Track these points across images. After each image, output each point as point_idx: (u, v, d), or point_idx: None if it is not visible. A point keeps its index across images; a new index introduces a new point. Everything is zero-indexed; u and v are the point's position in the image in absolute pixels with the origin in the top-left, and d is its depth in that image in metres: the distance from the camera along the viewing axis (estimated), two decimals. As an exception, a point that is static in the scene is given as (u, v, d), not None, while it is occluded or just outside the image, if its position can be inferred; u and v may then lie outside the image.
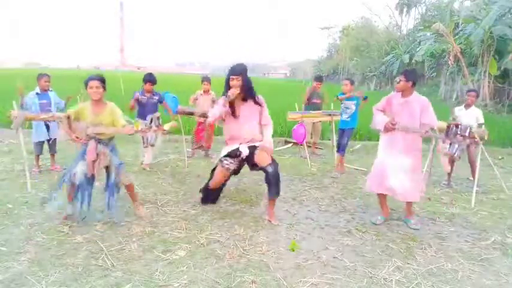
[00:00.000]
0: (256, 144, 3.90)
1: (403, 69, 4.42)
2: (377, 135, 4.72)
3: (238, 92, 3.72)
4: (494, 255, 3.35)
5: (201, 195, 4.36)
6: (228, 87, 3.76)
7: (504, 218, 4.31)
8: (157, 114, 5.73)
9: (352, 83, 6.12)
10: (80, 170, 3.52)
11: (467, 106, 5.44)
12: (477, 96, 5.67)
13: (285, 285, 2.72)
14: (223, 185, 4.32)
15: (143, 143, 5.65)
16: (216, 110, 3.84)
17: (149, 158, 5.79)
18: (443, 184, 5.57)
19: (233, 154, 3.91)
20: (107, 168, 3.67)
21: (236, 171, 4.16)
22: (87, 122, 3.50)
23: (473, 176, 5.43)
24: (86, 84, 3.47)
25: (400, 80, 3.82)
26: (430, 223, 4.03)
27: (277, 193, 3.90)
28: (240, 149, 3.87)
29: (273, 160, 3.86)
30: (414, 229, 3.82)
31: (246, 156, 3.87)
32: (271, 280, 2.78)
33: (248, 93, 3.82)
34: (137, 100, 5.58)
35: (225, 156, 3.96)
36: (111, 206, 3.64)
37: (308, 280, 2.80)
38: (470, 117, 5.31)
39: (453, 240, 3.64)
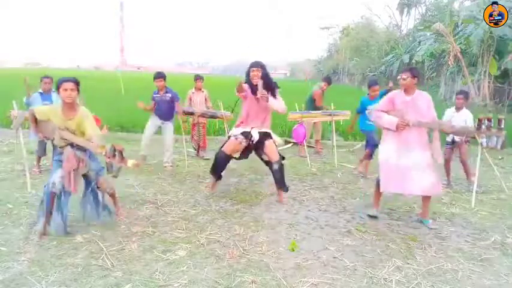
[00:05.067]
0: (267, 130, 4.38)
1: (406, 67, 4.33)
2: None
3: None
4: (494, 255, 3.35)
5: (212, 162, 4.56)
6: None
7: (504, 218, 4.31)
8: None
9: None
10: (58, 179, 3.24)
11: (457, 109, 5.36)
12: (466, 98, 5.43)
13: (285, 285, 2.72)
14: (228, 161, 4.54)
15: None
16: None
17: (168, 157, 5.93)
18: (443, 184, 5.56)
19: (245, 134, 4.33)
20: (85, 175, 3.42)
21: (244, 154, 4.54)
22: (54, 125, 3.24)
23: (468, 177, 5.44)
24: (59, 86, 3.19)
25: (407, 77, 3.77)
26: (430, 223, 4.03)
27: (282, 187, 4.42)
28: (252, 133, 4.29)
29: (279, 154, 4.39)
30: (433, 228, 3.84)
31: (256, 141, 4.30)
32: (271, 280, 2.78)
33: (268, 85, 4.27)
34: (154, 100, 5.79)
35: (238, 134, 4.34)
36: (97, 214, 3.52)
37: (308, 280, 2.80)
38: (459, 120, 5.12)
39: (453, 240, 3.64)
